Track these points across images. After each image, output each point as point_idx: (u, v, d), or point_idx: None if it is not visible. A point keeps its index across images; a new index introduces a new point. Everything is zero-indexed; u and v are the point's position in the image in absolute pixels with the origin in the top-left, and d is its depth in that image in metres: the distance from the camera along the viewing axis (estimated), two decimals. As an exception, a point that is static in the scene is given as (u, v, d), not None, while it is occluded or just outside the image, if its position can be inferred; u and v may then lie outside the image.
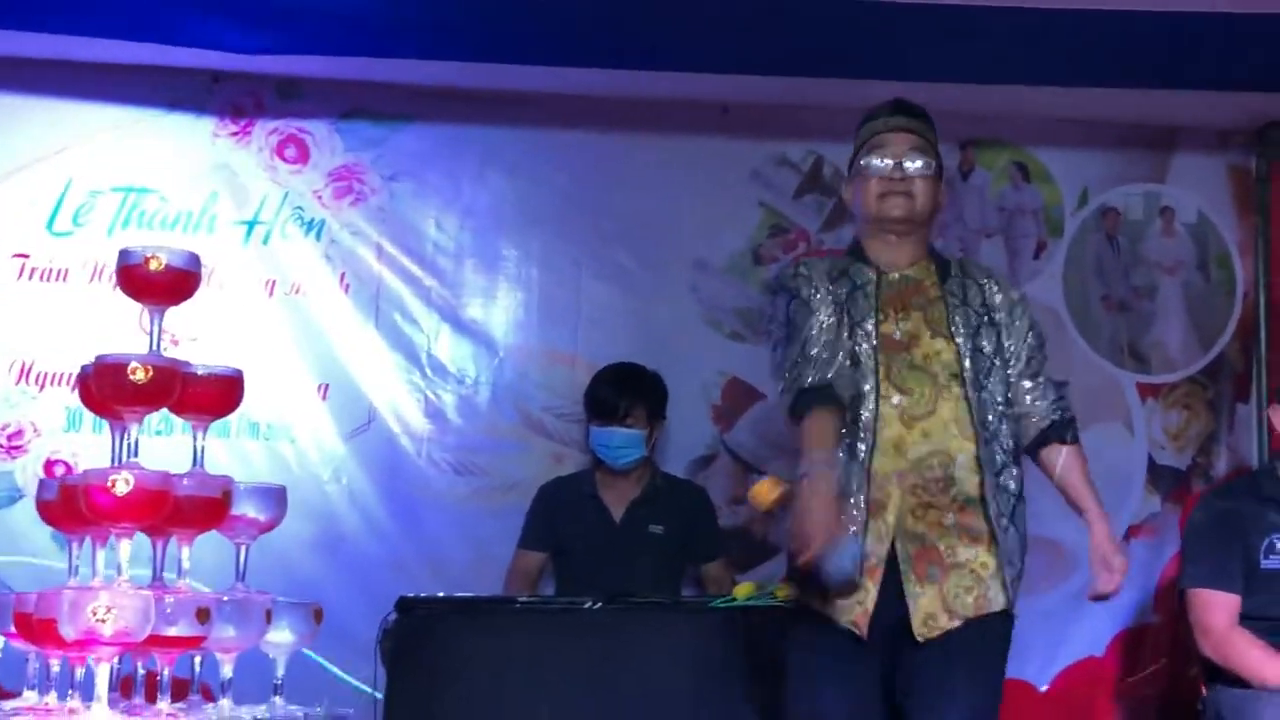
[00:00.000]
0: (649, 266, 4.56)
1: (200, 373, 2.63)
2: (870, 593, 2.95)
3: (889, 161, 3.10)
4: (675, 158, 4.58)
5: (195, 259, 2.63)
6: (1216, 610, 3.59)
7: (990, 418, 3.05)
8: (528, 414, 4.50)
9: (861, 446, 2.98)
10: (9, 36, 4.05)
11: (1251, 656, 3.54)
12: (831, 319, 3.05)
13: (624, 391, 4.13)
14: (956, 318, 3.09)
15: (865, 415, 2.99)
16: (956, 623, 2.96)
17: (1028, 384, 3.15)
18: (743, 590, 3.72)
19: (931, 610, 2.95)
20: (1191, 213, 4.76)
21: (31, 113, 4.35)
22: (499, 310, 4.55)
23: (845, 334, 3.04)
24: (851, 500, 2.95)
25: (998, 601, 2.99)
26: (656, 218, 4.56)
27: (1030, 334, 3.18)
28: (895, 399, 3.01)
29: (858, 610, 2.95)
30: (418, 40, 4.06)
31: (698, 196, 4.58)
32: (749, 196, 4.62)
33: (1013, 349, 3.15)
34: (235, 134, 4.45)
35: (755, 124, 4.56)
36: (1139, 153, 4.74)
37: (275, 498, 2.72)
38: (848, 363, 3.02)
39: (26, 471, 4.20)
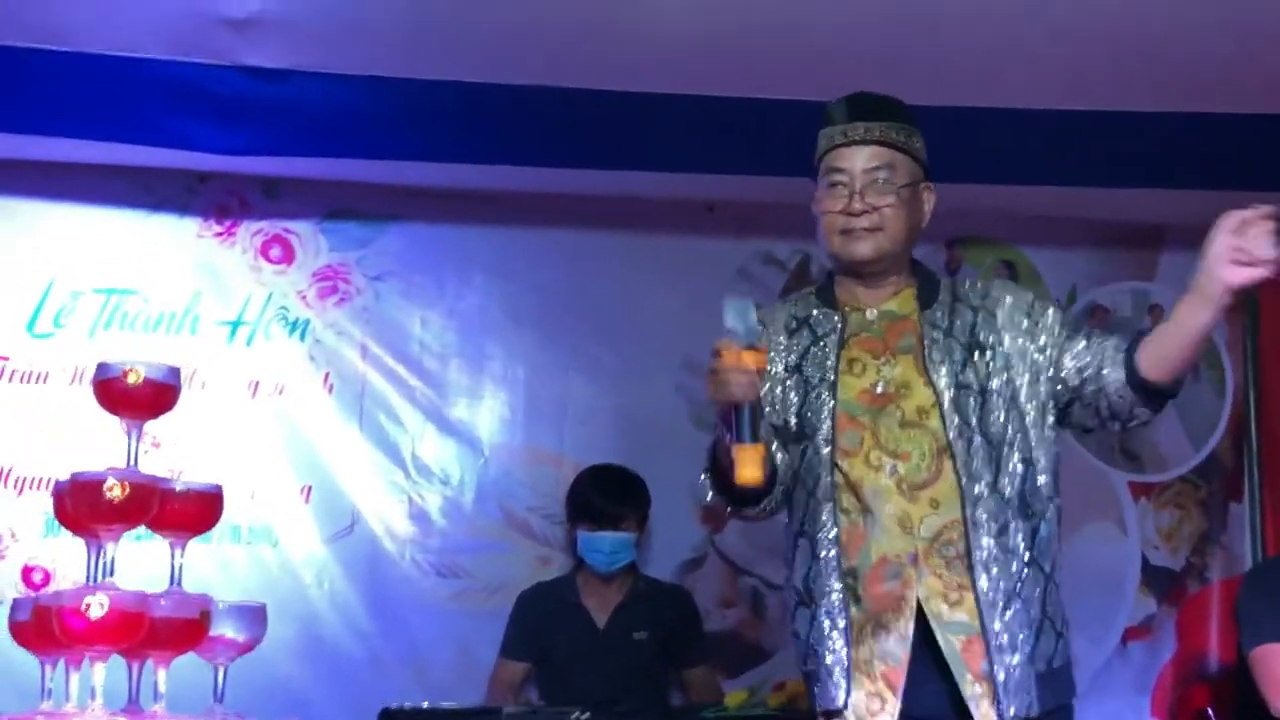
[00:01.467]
0: (635, 365, 4.53)
1: (179, 489, 2.58)
2: (889, 702, 2.49)
3: (845, 191, 2.62)
4: (661, 256, 4.58)
5: (175, 372, 2.58)
6: None
7: (978, 459, 2.55)
8: (512, 515, 4.45)
9: (825, 539, 2.53)
10: (-8, 138, 4.04)
11: None
12: (780, 381, 2.63)
13: (615, 496, 4.09)
14: (935, 354, 2.60)
15: (822, 500, 2.55)
16: None
17: (1081, 348, 2.61)
18: (734, 699, 3.68)
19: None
20: (1180, 310, 4.75)
21: (14, 213, 4.33)
22: (484, 410, 4.52)
23: (794, 397, 2.63)
24: (820, 606, 2.54)
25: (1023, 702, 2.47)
26: (643, 316, 4.54)
27: (1059, 322, 2.65)
28: (889, 467, 2.55)
29: None
30: (402, 141, 4.05)
31: (684, 295, 4.54)
32: (735, 295, 4.57)
33: (1050, 343, 2.63)
34: (220, 234, 4.43)
35: (741, 222, 4.56)
36: (1127, 251, 4.75)
37: (255, 616, 2.65)
38: (791, 422, 2.62)
39: (4, 579, 4.12)
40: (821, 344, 2.65)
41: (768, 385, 2.61)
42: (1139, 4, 3.24)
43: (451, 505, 4.44)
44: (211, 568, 4.09)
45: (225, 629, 2.59)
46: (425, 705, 3.66)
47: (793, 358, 2.67)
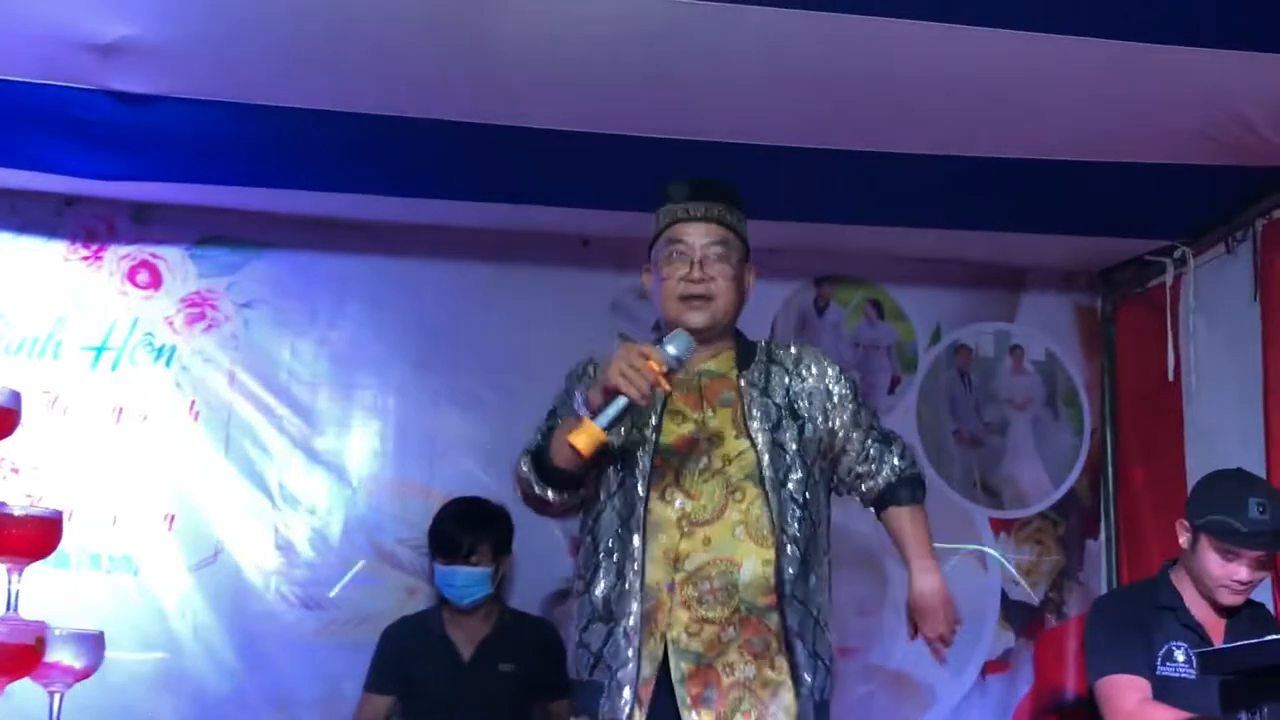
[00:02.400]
0: (507, 397, 4.51)
1: (17, 514, 2.53)
2: (637, 717, 2.75)
3: (685, 263, 2.92)
4: (535, 289, 4.59)
5: (15, 396, 2.55)
6: (1127, 691, 3.47)
7: (791, 520, 2.83)
8: (380, 546, 4.43)
9: (632, 564, 2.79)
10: None
11: (1167, 716, 3.37)
12: None
13: (468, 529, 4.07)
14: (755, 411, 2.89)
15: (634, 529, 2.80)
16: None
17: (858, 448, 3.01)
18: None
19: None
20: (1040, 351, 4.87)
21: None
22: (353, 440, 4.49)
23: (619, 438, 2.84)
24: (620, 624, 2.78)
25: None
26: (515, 349, 4.54)
27: (854, 401, 3.02)
28: (678, 503, 2.82)
29: None
30: (274, 169, 4.03)
31: (557, 327, 4.56)
32: (609, 328, 4.62)
33: (841, 425, 2.99)
34: (86, 258, 4.38)
35: (615, 256, 4.58)
36: (989, 292, 4.86)
37: (92, 643, 2.61)
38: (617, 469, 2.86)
39: None
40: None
41: None
42: (1005, 54, 3.32)
43: (318, 536, 4.41)
44: (69, 596, 4.00)
45: (62, 655, 2.56)
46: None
47: None
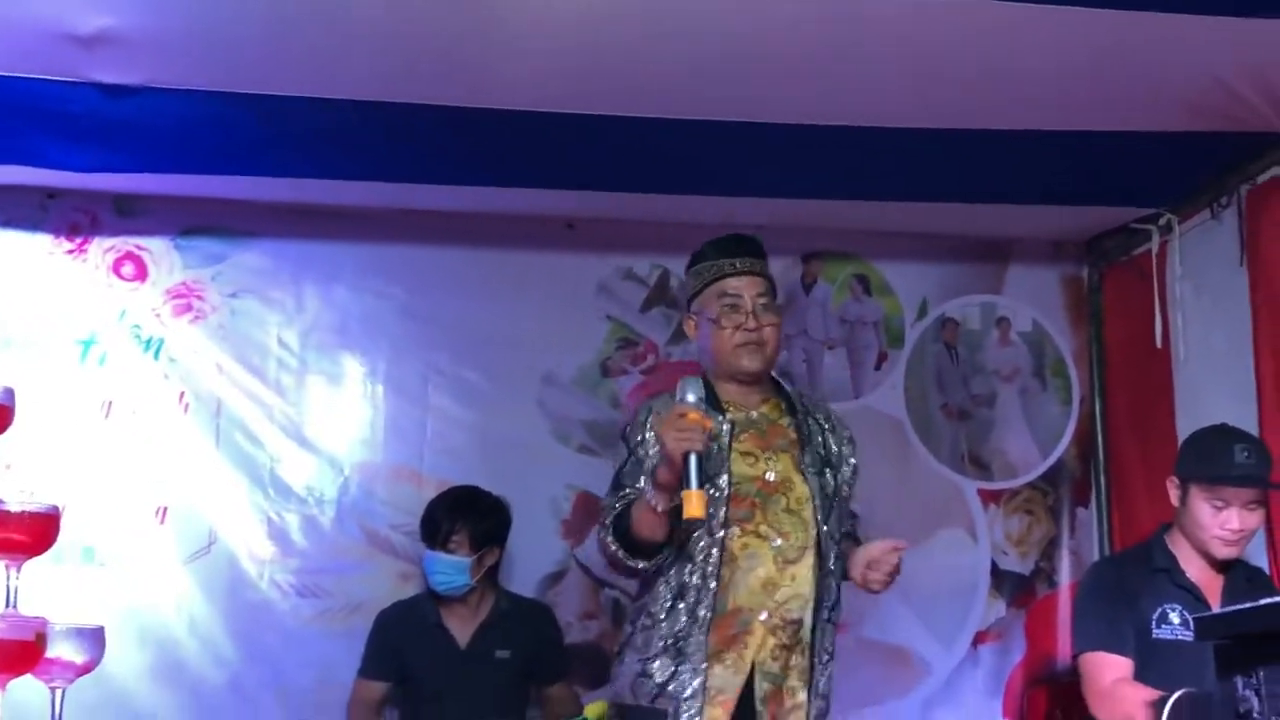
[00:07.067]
0: (496, 381, 4.53)
1: (14, 509, 2.52)
2: None
3: (740, 313, 3.21)
4: (522, 272, 4.59)
5: (9, 392, 2.54)
6: (1107, 670, 3.51)
7: (830, 556, 3.18)
8: (374, 533, 4.43)
9: (712, 596, 3.07)
10: None
11: (1136, 700, 3.38)
12: None
13: (449, 516, 4.07)
14: (808, 458, 3.21)
15: (721, 561, 3.08)
16: None
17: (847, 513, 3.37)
18: (594, 710, 3.69)
19: None
20: (1027, 322, 4.88)
21: None
22: (344, 428, 4.49)
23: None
24: (690, 659, 3.05)
25: None
26: (503, 333, 4.55)
27: (853, 472, 3.38)
28: (776, 541, 3.12)
29: None
30: (256, 158, 4.00)
31: (545, 311, 4.58)
32: (596, 310, 4.63)
33: (847, 484, 3.34)
34: (71, 251, 4.36)
35: (601, 239, 4.59)
36: (975, 264, 4.86)
37: (93, 638, 2.61)
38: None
39: None
40: (716, 440, 3.12)
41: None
42: (988, 25, 3.32)
43: (311, 524, 4.40)
44: (63, 591, 3.97)
45: (63, 651, 2.56)
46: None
47: None
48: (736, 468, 3.17)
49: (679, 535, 3.11)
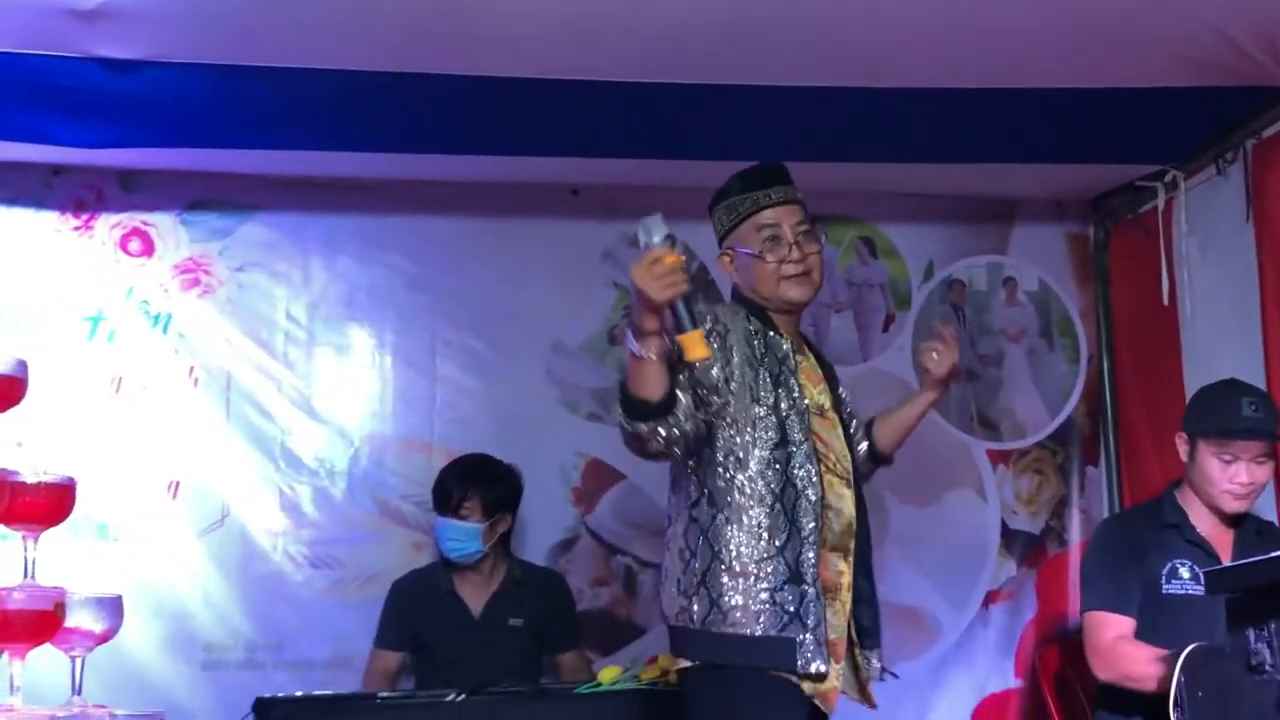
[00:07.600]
0: (503, 350, 4.55)
1: (30, 481, 2.54)
2: (835, 669, 2.96)
3: (783, 245, 3.08)
4: (527, 241, 4.60)
5: (22, 365, 2.55)
6: (1109, 628, 3.53)
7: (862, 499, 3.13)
8: (385, 503, 4.45)
9: (819, 532, 2.97)
10: None
11: (1138, 658, 3.41)
12: (744, 379, 2.99)
13: (459, 483, 4.08)
14: (836, 398, 3.18)
15: (820, 504, 2.97)
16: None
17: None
18: (608, 675, 3.70)
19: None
20: (1033, 281, 4.88)
21: None
22: (353, 399, 4.50)
23: (767, 401, 3.00)
24: (814, 587, 2.94)
25: None
26: (510, 301, 4.56)
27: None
28: (848, 486, 3.06)
29: (829, 688, 2.95)
30: (259, 131, 4.01)
31: (551, 279, 4.59)
32: (602, 277, 4.63)
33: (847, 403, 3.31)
34: (77, 228, 4.37)
35: (605, 205, 4.58)
36: (981, 225, 4.86)
37: (111, 607, 2.63)
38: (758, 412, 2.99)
39: None
40: (785, 363, 3.06)
41: (721, 358, 2.98)
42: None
43: (323, 496, 4.42)
44: (78, 566, 3.96)
45: (81, 620, 2.57)
46: (299, 694, 3.65)
47: (757, 355, 3.05)
48: (808, 397, 3.08)
49: (699, 391, 2.93)
